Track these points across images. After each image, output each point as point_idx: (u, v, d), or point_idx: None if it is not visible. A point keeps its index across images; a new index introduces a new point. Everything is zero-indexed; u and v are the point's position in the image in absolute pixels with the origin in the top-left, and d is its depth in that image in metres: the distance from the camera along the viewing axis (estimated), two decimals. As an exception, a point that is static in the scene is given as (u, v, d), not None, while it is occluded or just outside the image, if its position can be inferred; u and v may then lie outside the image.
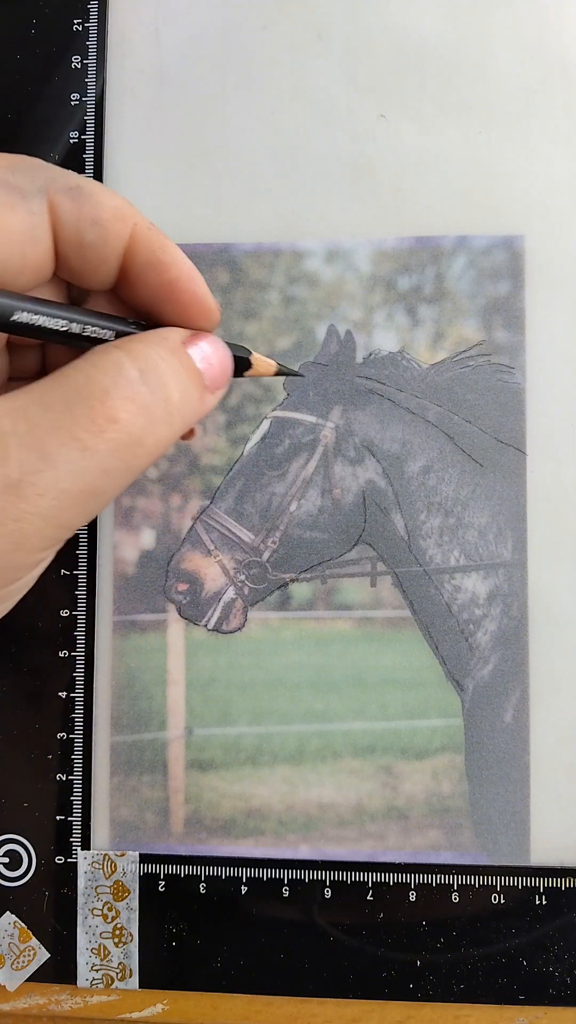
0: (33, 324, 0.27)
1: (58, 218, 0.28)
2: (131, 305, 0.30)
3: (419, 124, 0.39)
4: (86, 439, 0.24)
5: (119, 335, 0.28)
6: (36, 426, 0.24)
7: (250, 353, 0.32)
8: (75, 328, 0.28)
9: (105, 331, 0.28)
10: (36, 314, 0.27)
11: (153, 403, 0.26)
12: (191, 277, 0.29)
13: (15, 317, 0.26)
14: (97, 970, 0.38)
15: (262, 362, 0.32)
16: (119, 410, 0.25)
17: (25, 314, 0.27)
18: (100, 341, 0.28)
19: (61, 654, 0.39)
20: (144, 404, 0.26)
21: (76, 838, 0.39)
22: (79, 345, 0.29)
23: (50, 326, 0.27)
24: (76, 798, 0.39)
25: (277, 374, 0.33)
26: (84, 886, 0.39)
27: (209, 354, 0.29)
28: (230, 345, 0.31)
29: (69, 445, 0.24)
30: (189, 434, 0.31)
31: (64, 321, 0.27)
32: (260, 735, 0.39)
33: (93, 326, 0.28)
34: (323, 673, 0.39)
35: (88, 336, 0.28)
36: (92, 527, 0.40)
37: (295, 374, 0.36)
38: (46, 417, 0.24)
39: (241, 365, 0.32)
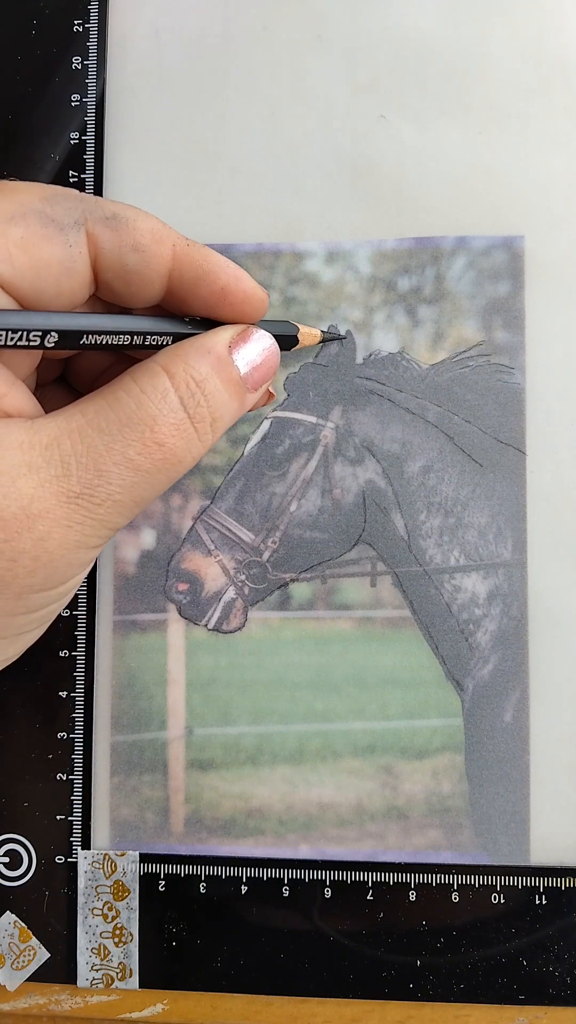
0: (98, 343, 0.29)
1: (99, 248, 0.29)
2: (180, 314, 0.31)
3: (419, 124, 0.39)
4: (137, 460, 0.28)
5: (176, 338, 0.30)
6: (93, 447, 0.27)
7: (297, 329, 0.33)
8: (136, 340, 0.30)
9: (164, 338, 0.30)
10: (101, 334, 0.29)
11: (193, 428, 0.29)
12: (238, 277, 0.31)
13: (83, 341, 0.28)
14: (97, 970, 0.38)
15: (308, 334, 0.34)
16: (166, 436, 0.28)
17: (91, 336, 0.29)
18: (159, 346, 0.30)
19: (61, 654, 0.39)
20: (186, 429, 0.29)
21: (76, 838, 0.39)
22: (137, 351, 0.30)
23: (114, 343, 0.29)
24: (76, 798, 0.39)
25: (322, 341, 0.34)
26: (84, 886, 0.39)
27: (254, 357, 0.31)
28: (277, 323, 0.32)
29: (122, 465, 0.28)
30: (268, 397, 0.33)
31: (127, 336, 0.29)
32: (260, 735, 0.39)
33: (152, 335, 0.30)
34: (323, 673, 0.39)
35: (149, 345, 0.30)
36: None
37: (339, 337, 0.38)
38: (101, 440, 0.28)
39: (291, 342, 0.33)
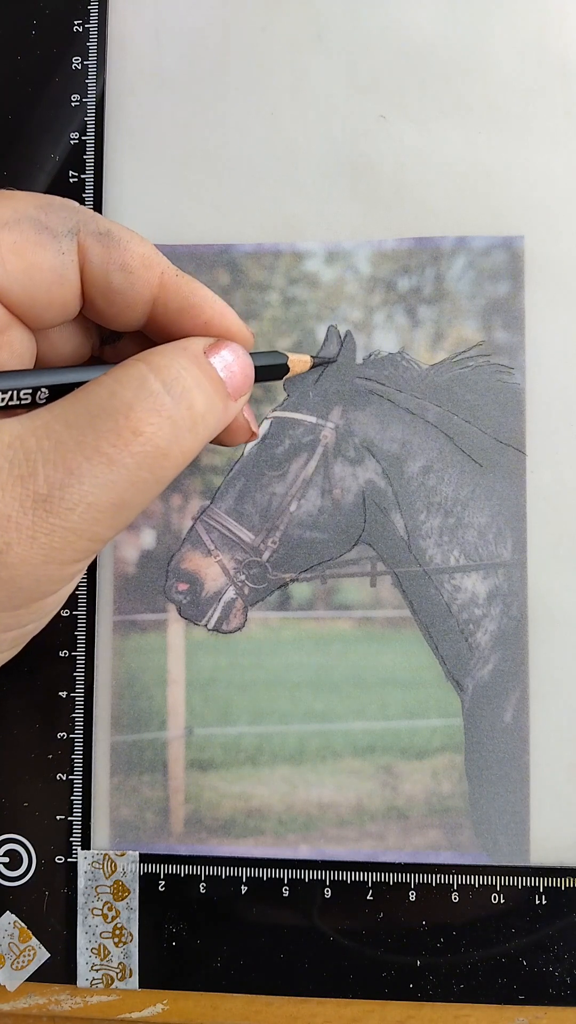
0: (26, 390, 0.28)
1: (87, 261, 0.29)
2: (163, 342, 0.31)
3: (419, 124, 0.39)
4: (111, 453, 0.25)
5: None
6: (61, 443, 0.25)
7: (287, 358, 0.34)
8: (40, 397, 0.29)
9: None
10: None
11: (177, 414, 0.26)
12: (223, 314, 0.30)
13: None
14: (97, 970, 0.38)
15: (298, 362, 0.34)
16: (143, 423, 0.26)
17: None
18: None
19: (61, 654, 0.39)
20: (168, 416, 0.26)
21: (76, 838, 0.39)
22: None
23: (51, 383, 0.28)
24: (76, 798, 0.39)
25: (313, 366, 0.34)
26: (84, 886, 0.39)
27: (231, 362, 0.29)
28: (266, 354, 0.32)
29: (94, 460, 0.25)
30: (251, 435, 0.33)
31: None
32: (260, 735, 0.39)
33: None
34: (323, 673, 0.39)
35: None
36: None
37: (331, 361, 0.38)
38: (70, 433, 0.25)
39: (281, 370, 0.33)
